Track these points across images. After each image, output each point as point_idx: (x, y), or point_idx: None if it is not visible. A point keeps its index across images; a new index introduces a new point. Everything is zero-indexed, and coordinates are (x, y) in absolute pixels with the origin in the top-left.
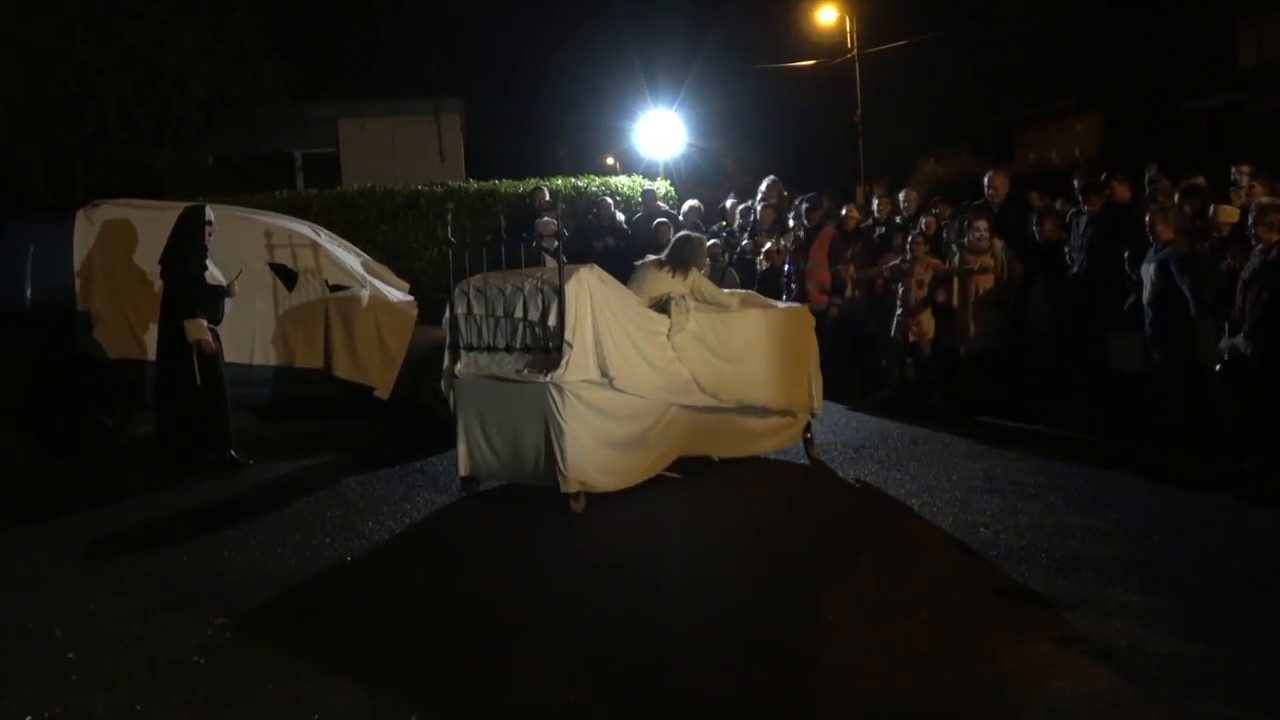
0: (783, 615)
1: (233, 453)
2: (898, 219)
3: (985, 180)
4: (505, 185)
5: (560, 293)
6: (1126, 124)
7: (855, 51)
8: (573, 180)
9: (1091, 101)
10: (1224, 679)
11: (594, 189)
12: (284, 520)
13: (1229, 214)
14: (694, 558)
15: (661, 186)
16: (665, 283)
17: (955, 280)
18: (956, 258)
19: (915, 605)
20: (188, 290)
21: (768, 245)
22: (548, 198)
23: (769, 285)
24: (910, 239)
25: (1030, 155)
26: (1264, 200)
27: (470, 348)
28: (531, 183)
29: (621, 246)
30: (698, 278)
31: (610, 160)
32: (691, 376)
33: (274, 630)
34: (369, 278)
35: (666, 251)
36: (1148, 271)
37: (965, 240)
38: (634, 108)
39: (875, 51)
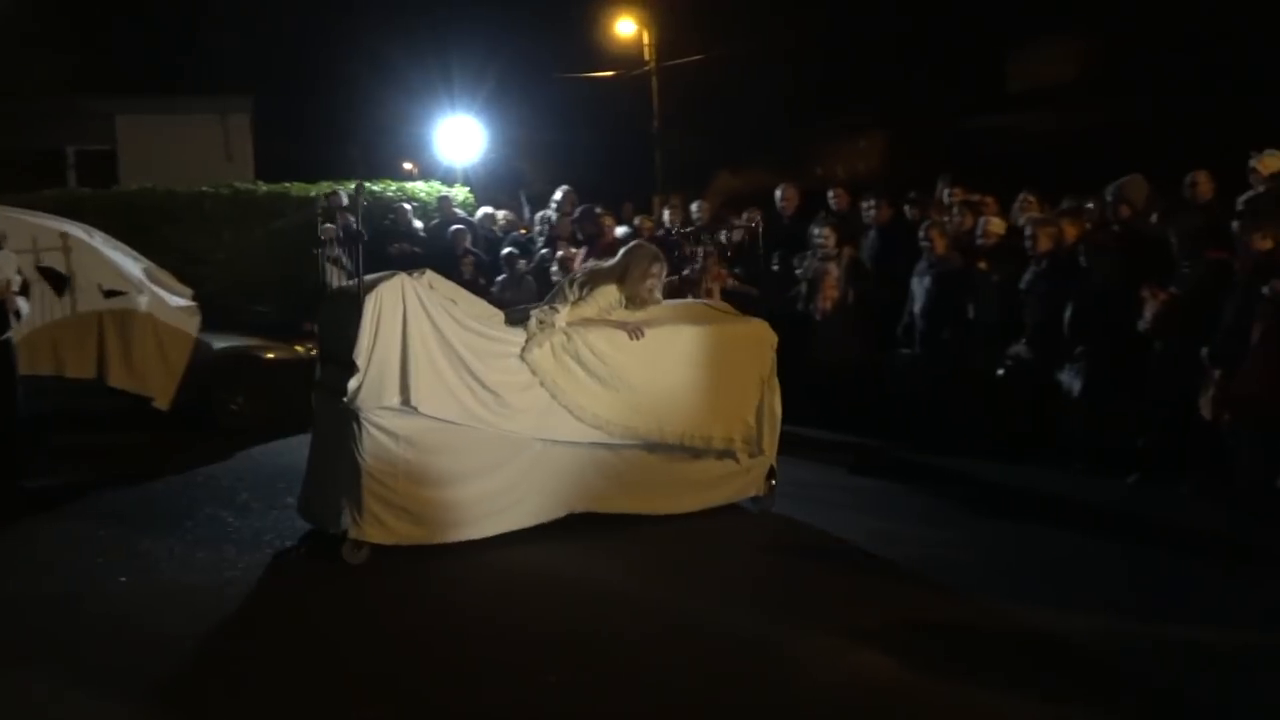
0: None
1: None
2: (688, 229)
3: (777, 192)
4: (296, 188)
5: (359, 303)
6: (911, 141)
7: (653, 64)
8: (369, 185)
9: (878, 119)
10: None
11: (390, 194)
12: (57, 540)
13: (996, 226)
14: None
15: (460, 193)
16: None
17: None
18: (810, 266)
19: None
20: None
21: (559, 254)
22: (344, 202)
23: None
24: (701, 248)
25: (820, 169)
26: (1037, 215)
27: (324, 360)
28: (325, 186)
29: (418, 253)
30: (591, 296)
31: (408, 165)
32: (562, 405)
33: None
34: (148, 283)
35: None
36: (921, 284)
37: (813, 249)
38: (433, 112)
39: (673, 65)
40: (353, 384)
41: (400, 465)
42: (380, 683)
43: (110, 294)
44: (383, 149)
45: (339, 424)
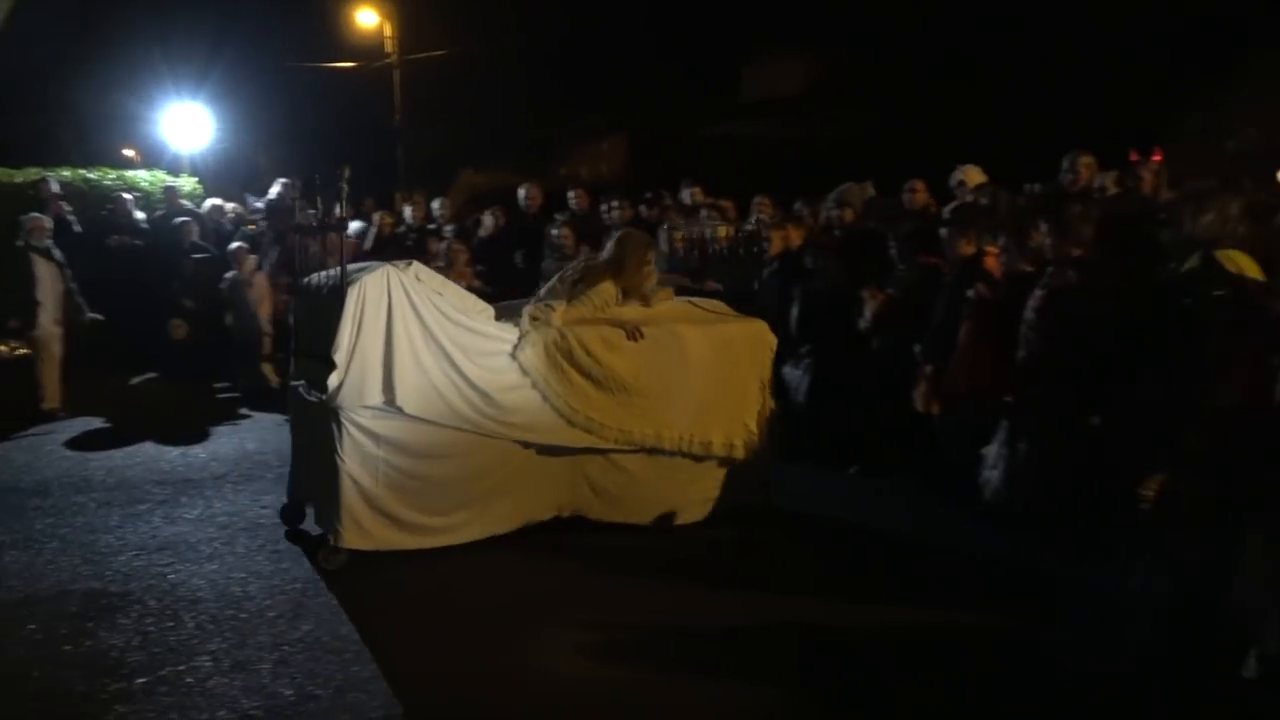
0: None
1: None
2: (431, 226)
3: (521, 191)
4: None
5: (340, 296)
6: (650, 145)
7: (395, 57)
8: (83, 172)
9: (619, 122)
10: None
11: (109, 182)
12: None
13: (723, 231)
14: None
15: (186, 183)
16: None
17: None
18: (550, 266)
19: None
20: None
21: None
22: (55, 189)
23: None
24: (446, 245)
25: (563, 170)
26: (765, 218)
27: (299, 353)
28: (34, 173)
29: (139, 246)
30: (588, 293)
31: (129, 152)
32: (554, 407)
33: None
34: None
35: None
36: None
37: (553, 249)
38: (158, 97)
39: (416, 58)
40: (333, 381)
41: (381, 468)
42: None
43: None
44: (101, 134)
45: (317, 423)
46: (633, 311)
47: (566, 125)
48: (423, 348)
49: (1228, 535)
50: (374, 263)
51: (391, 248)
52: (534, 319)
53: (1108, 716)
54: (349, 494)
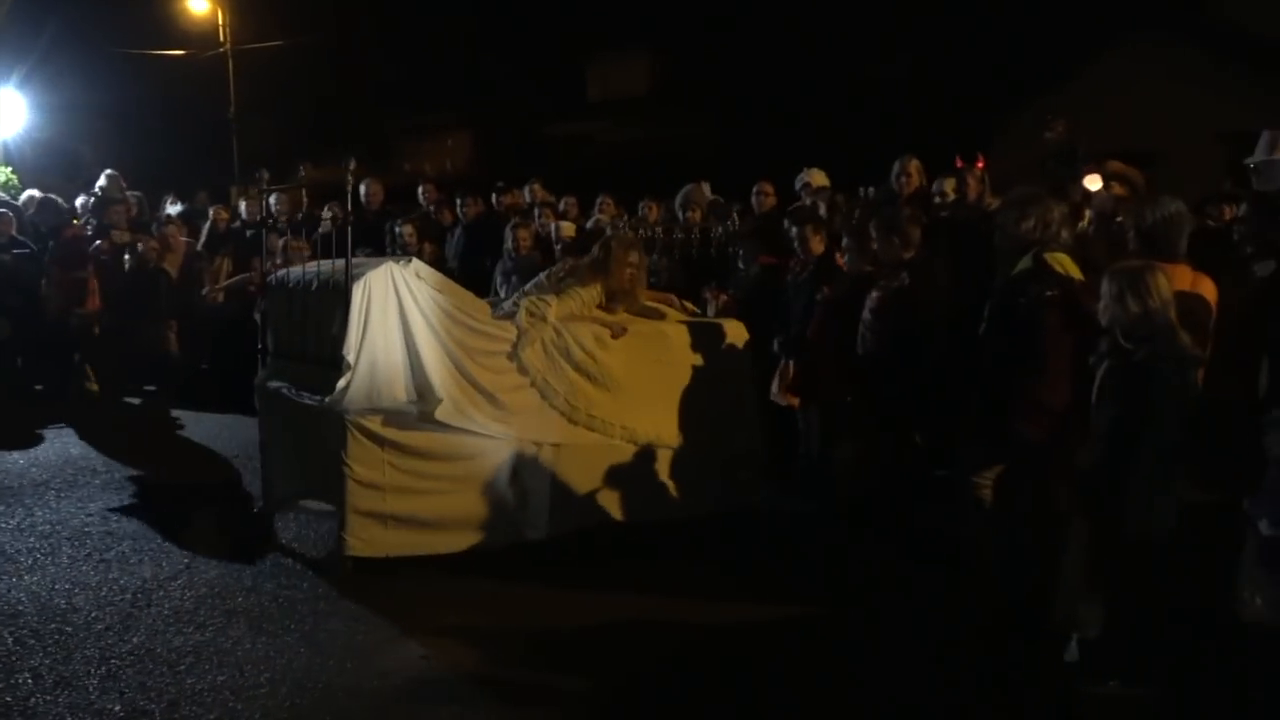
0: None
1: None
2: (270, 221)
3: (362, 187)
4: None
5: (345, 294)
6: (495, 143)
7: (228, 46)
8: None
9: (463, 119)
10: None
11: None
12: None
13: (567, 229)
14: None
15: (1, 174)
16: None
17: None
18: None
19: None
20: None
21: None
22: None
23: None
24: (284, 242)
25: (407, 166)
26: (606, 218)
27: (277, 354)
28: None
29: None
30: (573, 291)
31: None
32: (554, 407)
33: None
34: None
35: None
36: (509, 283)
37: (396, 245)
38: None
39: (250, 48)
40: (341, 384)
41: (388, 472)
42: None
43: None
44: None
45: (311, 427)
46: (612, 313)
47: (410, 121)
48: (430, 348)
49: (1056, 525)
50: (371, 259)
51: (227, 243)
52: (530, 314)
53: (941, 701)
54: (355, 499)
